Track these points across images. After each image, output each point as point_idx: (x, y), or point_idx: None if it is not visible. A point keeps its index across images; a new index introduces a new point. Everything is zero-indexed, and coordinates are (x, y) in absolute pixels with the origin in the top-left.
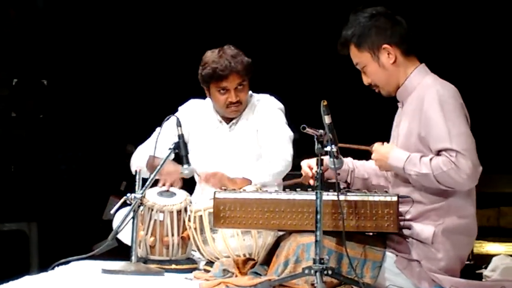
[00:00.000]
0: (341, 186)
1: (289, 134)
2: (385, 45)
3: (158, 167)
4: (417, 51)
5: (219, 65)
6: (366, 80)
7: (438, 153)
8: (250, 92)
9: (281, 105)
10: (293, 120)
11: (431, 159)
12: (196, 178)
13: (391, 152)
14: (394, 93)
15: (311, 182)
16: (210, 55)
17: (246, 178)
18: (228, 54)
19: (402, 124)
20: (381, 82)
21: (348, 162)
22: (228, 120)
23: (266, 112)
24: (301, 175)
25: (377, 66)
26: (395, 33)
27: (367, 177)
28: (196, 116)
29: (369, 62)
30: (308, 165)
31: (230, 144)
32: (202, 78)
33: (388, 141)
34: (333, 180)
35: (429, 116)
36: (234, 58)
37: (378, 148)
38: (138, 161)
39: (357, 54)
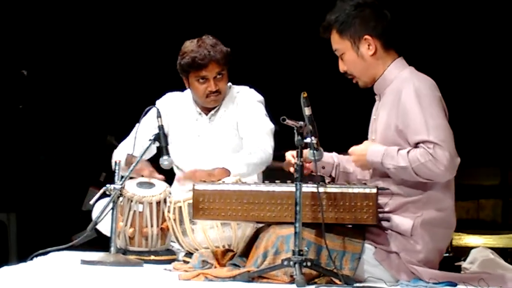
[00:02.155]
0: (327, 181)
1: (270, 126)
2: (366, 36)
3: (134, 163)
4: (396, 45)
5: (198, 54)
6: (342, 67)
7: (416, 145)
8: (230, 83)
9: (260, 97)
10: (273, 112)
11: (408, 152)
12: (176, 172)
13: (368, 148)
14: (370, 84)
15: (291, 170)
16: (189, 45)
17: (225, 168)
18: (207, 44)
19: (380, 118)
20: (357, 72)
21: (333, 156)
22: (207, 111)
23: (246, 104)
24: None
25: (356, 56)
26: (378, 26)
27: (352, 171)
28: (174, 109)
29: (348, 51)
30: (292, 155)
31: (210, 135)
32: (181, 67)
33: (366, 135)
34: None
35: (406, 109)
36: (213, 47)
37: (354, 149)
38: (119, 156)
39: (337, 40)
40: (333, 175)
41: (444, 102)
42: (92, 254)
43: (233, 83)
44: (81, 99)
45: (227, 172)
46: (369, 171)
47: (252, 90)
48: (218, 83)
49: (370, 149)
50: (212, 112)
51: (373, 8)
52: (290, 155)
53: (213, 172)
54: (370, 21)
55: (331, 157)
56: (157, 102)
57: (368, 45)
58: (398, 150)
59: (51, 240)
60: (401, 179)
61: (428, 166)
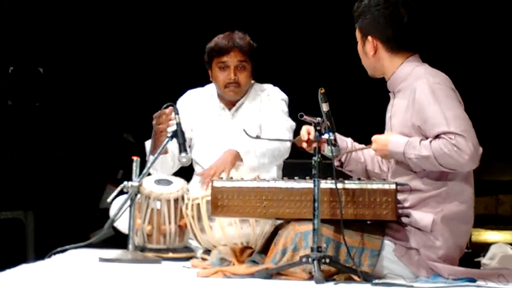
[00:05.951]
0: (335, 164)
1: (290, 123)
2: (369, 37)
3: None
4: (411, 47)
5: (222, 40)
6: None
7: (436, 137)
8: (253, 81)
9: (284, 96)
10: (291, 108)
11: (431, 142)
12: (196, 167)
13: (390, 138)
14: (377, 77)
15: (304, 145)
16: (219, 35)
17: (233, 150)
18: (235, 34)
19: (395, 116)
20: (363, 63)
21: (348, 141)
22: (230, 106)
23: (269, 101)
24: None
25: (361, 48)
26: (385, 32)
27: (362, 160)
28: (196, 106)
29: (359, 41)
30: (307, 130)
31: (231, 131)
32: (206, 55)
33: (383, 132)
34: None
35: (422, 105)
36: (239, 37)
37: (376, 137)
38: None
39: (357, 28)
40: (342, 160)
41: (459, 94)
42: (110, 251)
43: (255, 80)
44: (97, 96)
45: (235, 153)
46: (379, 162)
47: (277, 88)
48: (238, 73)
49: (392, 139)
50: (235, 108)
51: (390, 10)
52: (305, 131)
53: (226, 161)
54: (380, 23)
55: (345, 142)
56: (178, 101)
57: (371, 45)
58: (421, 140)
59: (69, 238)
60: (423, 175)
61: (452, 155)
